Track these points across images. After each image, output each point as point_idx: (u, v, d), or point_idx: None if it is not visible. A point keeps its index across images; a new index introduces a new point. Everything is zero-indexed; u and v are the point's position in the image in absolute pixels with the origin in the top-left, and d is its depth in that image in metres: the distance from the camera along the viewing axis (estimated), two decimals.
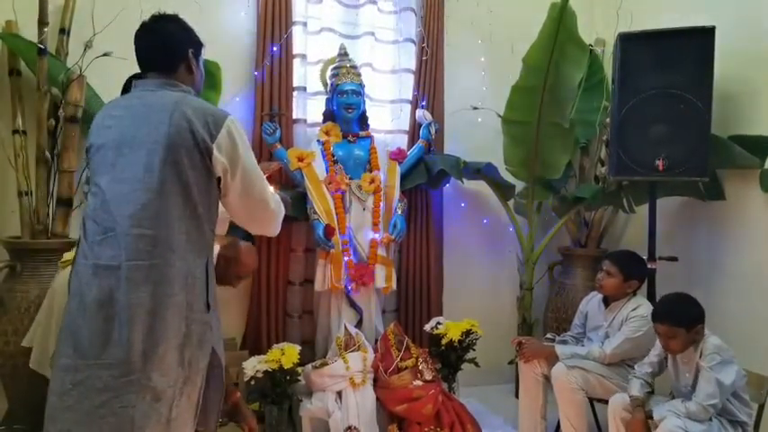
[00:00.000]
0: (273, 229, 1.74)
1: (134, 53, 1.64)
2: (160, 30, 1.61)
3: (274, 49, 2.91)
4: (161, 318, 1.38)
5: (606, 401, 2.22)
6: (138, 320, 1.36)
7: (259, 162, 2.91)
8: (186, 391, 1.45)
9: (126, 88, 2.08)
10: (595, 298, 2.58)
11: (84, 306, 1.39)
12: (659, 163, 2.47)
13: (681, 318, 1.96)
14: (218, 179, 1.50)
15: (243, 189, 1.54)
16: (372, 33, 3.19)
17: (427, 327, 2.91)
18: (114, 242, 1.39)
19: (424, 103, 3.19)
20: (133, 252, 1.38)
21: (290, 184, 2.98)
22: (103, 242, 1.40)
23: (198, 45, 1.66)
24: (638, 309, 2.34)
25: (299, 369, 2.47)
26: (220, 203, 1.58)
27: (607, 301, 2.49)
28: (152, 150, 1.42)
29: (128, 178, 1.42)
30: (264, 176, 1.65)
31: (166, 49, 1.59)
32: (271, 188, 1.67)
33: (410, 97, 3.21)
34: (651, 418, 1.97)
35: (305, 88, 3.06)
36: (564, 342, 2.56)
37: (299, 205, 2.86)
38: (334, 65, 2.96)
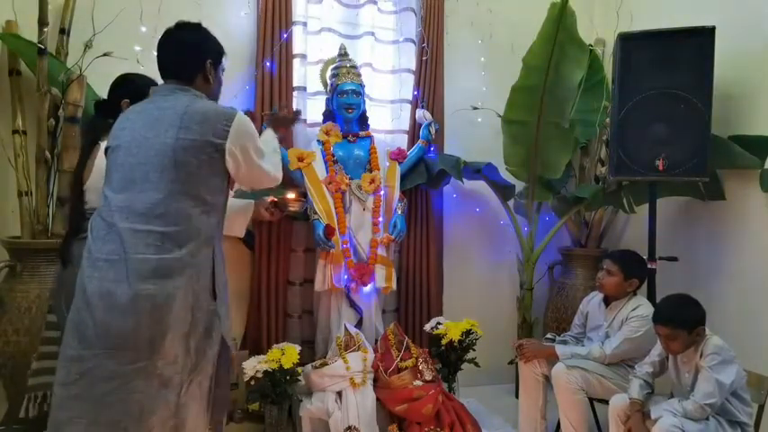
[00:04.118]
0: (274, 184, 1.86)
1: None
2: (180, 39, 1.66)
3: (274, 49, 2.91)
4: (167, 309, 1.42)
5: (606, 401, 2.22)
6: (143, 311, 1.40)
7: None
8: (196, 379, 1.51)
9: (118, 83, 2.09)
10: (596, 298, 2.58)
11: (87, 298, 1.43)
12: (659, 163, 2.47)
13: (682, 320, 1.95)
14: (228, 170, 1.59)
15: (252, 172, 1.67)
16: (372, 33, 3.19)
17: (427, 327, 2.91)
18: (117, 237, 1.44)
19: (424, 103, 3.19)
20: (141, 246, 1.43)
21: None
22: (107, 237, 1.46)
23: (217, 55, 1.71)
24: (638, 309, 2.35)
25: (299, 369, 2.48)
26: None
27: (607, 301, 2.49)
28: (161, 151, 1.48)
29: (137, 178, 1.49)
30: (267, 153, 1.77)
31: (184, 58, 1.64)
32: (270, 162, 1.78)
33: (410, 97, 3.21)
34: (650, 418, 1.97)
35: (305, 88, 3.06)
36: (564, 342, 2.56)
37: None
38: (334, 65, 2.96)
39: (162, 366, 1.42)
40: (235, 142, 1.55)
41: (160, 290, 1.42)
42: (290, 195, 2.18)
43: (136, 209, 1.46)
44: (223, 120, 1.54)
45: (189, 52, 1.64)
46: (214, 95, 1.72)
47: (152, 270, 1.42)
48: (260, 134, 1.84)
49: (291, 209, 2.20)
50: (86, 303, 1.43)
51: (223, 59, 1.74)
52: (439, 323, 2.87)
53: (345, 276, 2.76)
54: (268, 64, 2.91)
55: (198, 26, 1.69)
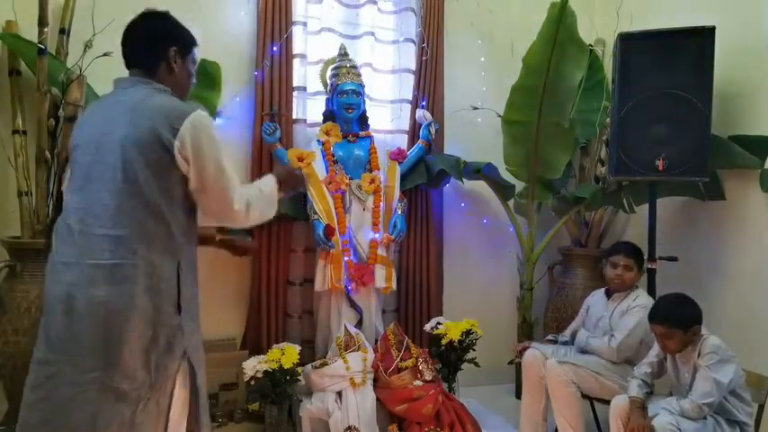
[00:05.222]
0: (239, 225, 1.63)
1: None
2: (143, 27, 1.57)
3: (274, 49, 2.91)
4: (123, 318, 1.38)
5: (606, 401, 2.22)
6: (97, 318, 1.36)
7: (260, 163, 2.93)
8: (154, 396, 1.44)
9: None
10: (598, 294, 2.60)
11: (49, 302, 1.41)
12: (659, 163, 2.47)
13: (678, 319, 1.96)
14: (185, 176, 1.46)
15: (206, 185, 1.47)
16: (372, 33, 3.19)
17: (427, 327, 2.91)
18: (75, 240, 1.41)
19: (424, 103, 3.19)
20: (96, 251, 1.39)
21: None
22: (67, 239, 1.43)
23: (184, 44, 1.60)
24: (638, 299, 2.39)
25: (299, 369, 2.48)
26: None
27: (609, 293, 2.51)
28: (114, 150, 1.41)
29: (94, 178, 1.43)
30: (234, 177, 1.54)
31: (146, 46, 1.55)
32: (238, 187, 1.54)
33: (410, 97, 3.21)
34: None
35: (305, 88, 3.06)
36: (565, 342, 2.58)
37: (298, 205, 2.87)
38: (334, 65, 2.96)
39: (119, 380, 1.38)
40: (185, 141, 1.40)
41: (115, 296, 1.37)
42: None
43: (91, 210, 1.41)
44: (175, 115, 1.42)
45: (150, 40, 1.55)
46: (182, 87, 1.60)
47: (105, 276, 1.37)
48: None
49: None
50: (50, 308, 1.41)
51: (194, 50, 1.63)
52: (439, 323, 2.87)
53: (345, 276, 2.76)
54: (268, 64, 2.91)
55: (163, 14, 1.59)
